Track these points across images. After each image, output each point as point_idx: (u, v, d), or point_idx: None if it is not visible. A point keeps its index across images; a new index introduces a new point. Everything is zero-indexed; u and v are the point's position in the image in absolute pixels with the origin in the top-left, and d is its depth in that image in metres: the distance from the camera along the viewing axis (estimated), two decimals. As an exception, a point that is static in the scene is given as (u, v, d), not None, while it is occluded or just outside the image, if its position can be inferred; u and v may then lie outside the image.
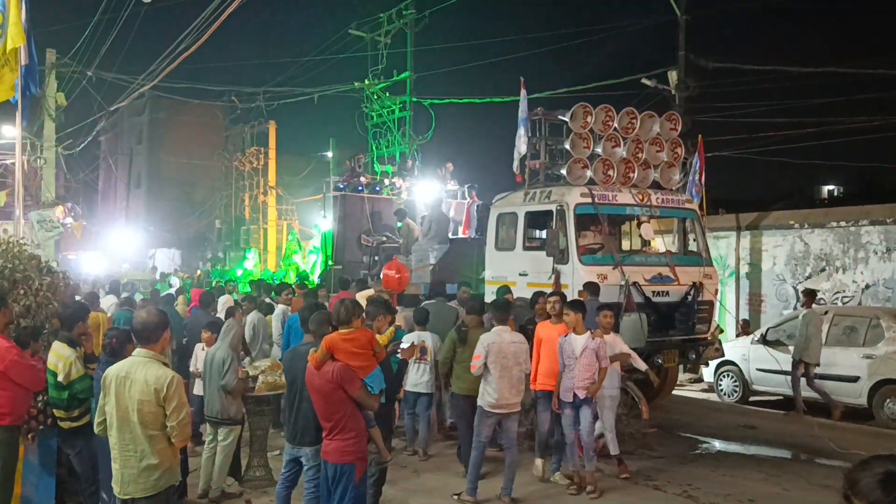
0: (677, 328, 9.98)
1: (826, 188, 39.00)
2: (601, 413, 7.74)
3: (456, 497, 7.10)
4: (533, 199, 10.50)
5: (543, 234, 11.13)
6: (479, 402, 7.01)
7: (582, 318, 7.39)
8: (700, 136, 12.68)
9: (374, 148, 23.61)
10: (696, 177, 12.56)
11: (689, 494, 7.39)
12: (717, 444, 9.79)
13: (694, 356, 10.25)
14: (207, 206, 40.61)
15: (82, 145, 24.01)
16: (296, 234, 29.59)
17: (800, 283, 15.16)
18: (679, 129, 11.00)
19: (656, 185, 10.71)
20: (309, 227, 30.74)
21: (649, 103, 16.01)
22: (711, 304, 10.42)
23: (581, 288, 9.15)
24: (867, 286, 14.44)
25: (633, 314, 9.14)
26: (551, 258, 9.76)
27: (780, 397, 12.28)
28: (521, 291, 10.02)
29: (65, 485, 6.44)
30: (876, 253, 14.60)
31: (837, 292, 14.73)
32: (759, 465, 8.66)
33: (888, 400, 10.58)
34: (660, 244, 11.21)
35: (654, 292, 9.76)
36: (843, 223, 14.89)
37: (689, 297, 10.01)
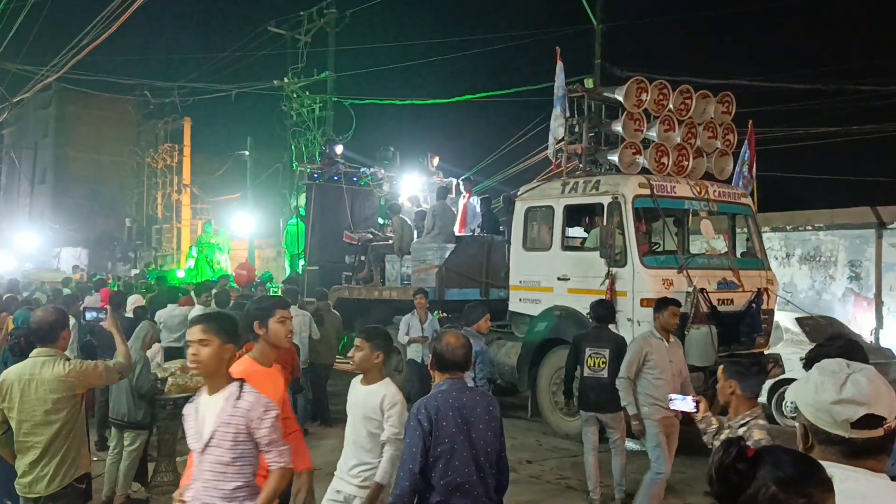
0: (740, 341, 8.82)
1: (732, 196, 40.56)
2: None
3: None
4: (575, 191, 9.16)
5: (578, 231, 10.09)
6: None
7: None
8: (751, 121, 11.47)
9: (292, 147, 23.35)
10: (746, 168, 11.12)
11: (606, 484, 7.52)
12: (630, 444, 9.98)
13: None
14: (117, 203, 39.26)
15: (-18, 138, 22.94)
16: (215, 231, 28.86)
17: (707, 286, 15.69)
18: (732, 112, 9.84)
19: (708, 176, 9.59)
20: (224, 226, 30.04)
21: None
22: (772, 313, 9.43)
23: (644, 295, 8.03)
24: (769, 290, 15.08)
25: (703, 327, 8.04)
26: (602, 260, 8.45)
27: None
28: (561, 298, 9.05)
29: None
30: (776, 258, 15.30)
31: (742, 296, 15.33)
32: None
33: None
34: (720, 244, 10.09)
35: (718, 300, 8.55)
36: (747, 229, 15.51)
37: (753, 306, 8.87)
